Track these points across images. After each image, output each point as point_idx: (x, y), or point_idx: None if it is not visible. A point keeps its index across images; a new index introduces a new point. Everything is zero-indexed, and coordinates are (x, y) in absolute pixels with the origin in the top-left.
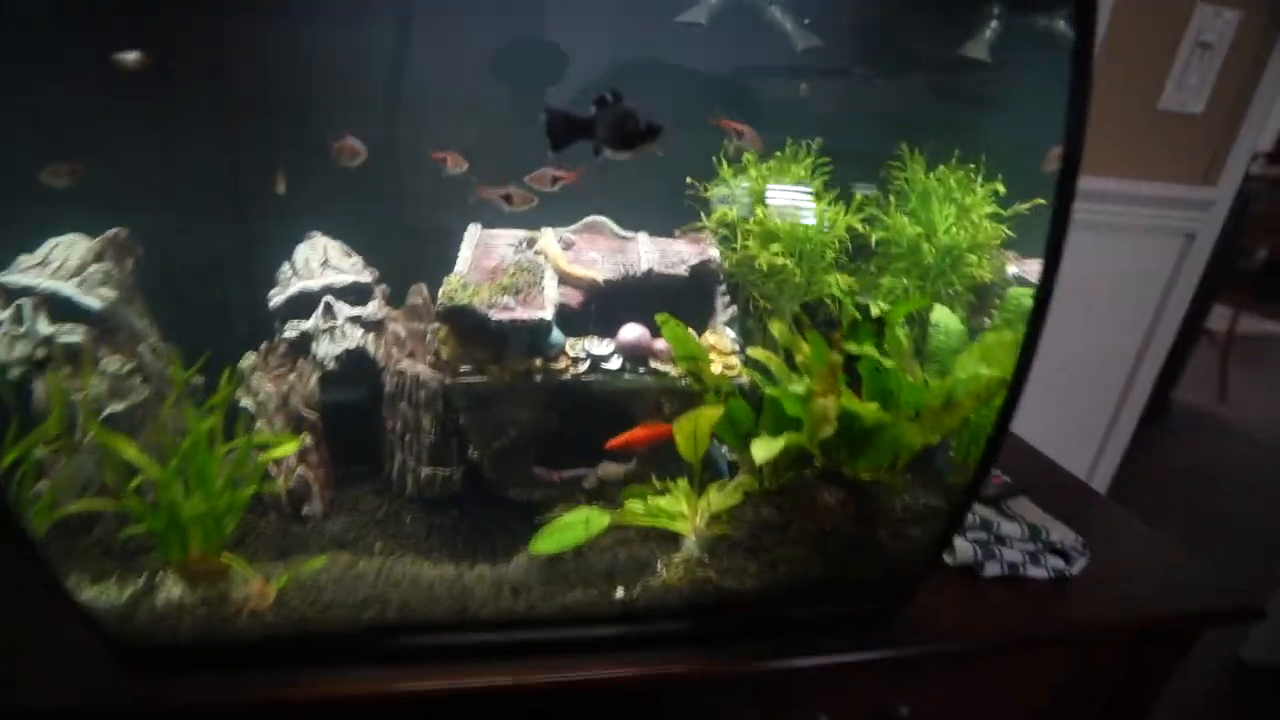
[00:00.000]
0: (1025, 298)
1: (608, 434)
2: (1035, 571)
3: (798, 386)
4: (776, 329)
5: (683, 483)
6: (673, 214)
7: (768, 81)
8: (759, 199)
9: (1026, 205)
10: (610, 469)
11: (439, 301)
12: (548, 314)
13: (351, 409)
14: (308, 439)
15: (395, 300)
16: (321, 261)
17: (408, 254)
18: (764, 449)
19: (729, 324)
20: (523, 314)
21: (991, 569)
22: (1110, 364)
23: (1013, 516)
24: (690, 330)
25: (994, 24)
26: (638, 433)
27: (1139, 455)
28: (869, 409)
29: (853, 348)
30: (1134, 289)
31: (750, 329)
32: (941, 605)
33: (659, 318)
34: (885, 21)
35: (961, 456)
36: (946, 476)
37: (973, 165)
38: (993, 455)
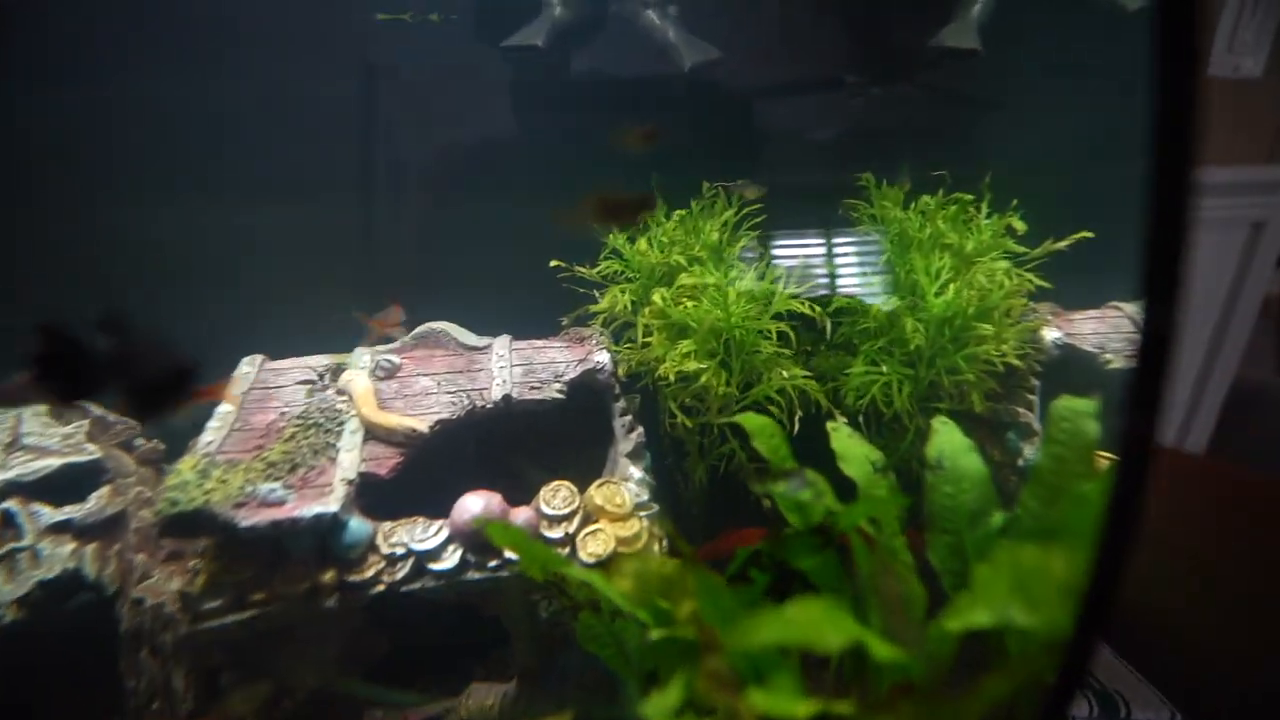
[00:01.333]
0: (1084, 418)
1: (470, 640)
2: None
3: (660, 708)
4: (629, 571)
5: None
6: (555, 301)
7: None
8: (653, 277)
9: (1066, 241)
10: (480, 699)
11: (159, 507)
12: (332, 503)
13: (62, 669)
14: None
15: None
16: (7, 443)
17: None
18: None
19: (634, 456)
20: (292, 509)
21: None
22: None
23: None
24: (563, 489)
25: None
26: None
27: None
28: (802, 711)
29: (752, 636)
30: (1194, 296)
31: (667, 451)
32: None
33: (475, 521)
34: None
35: (1005, 715)
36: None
37: (969, 197)
38: None
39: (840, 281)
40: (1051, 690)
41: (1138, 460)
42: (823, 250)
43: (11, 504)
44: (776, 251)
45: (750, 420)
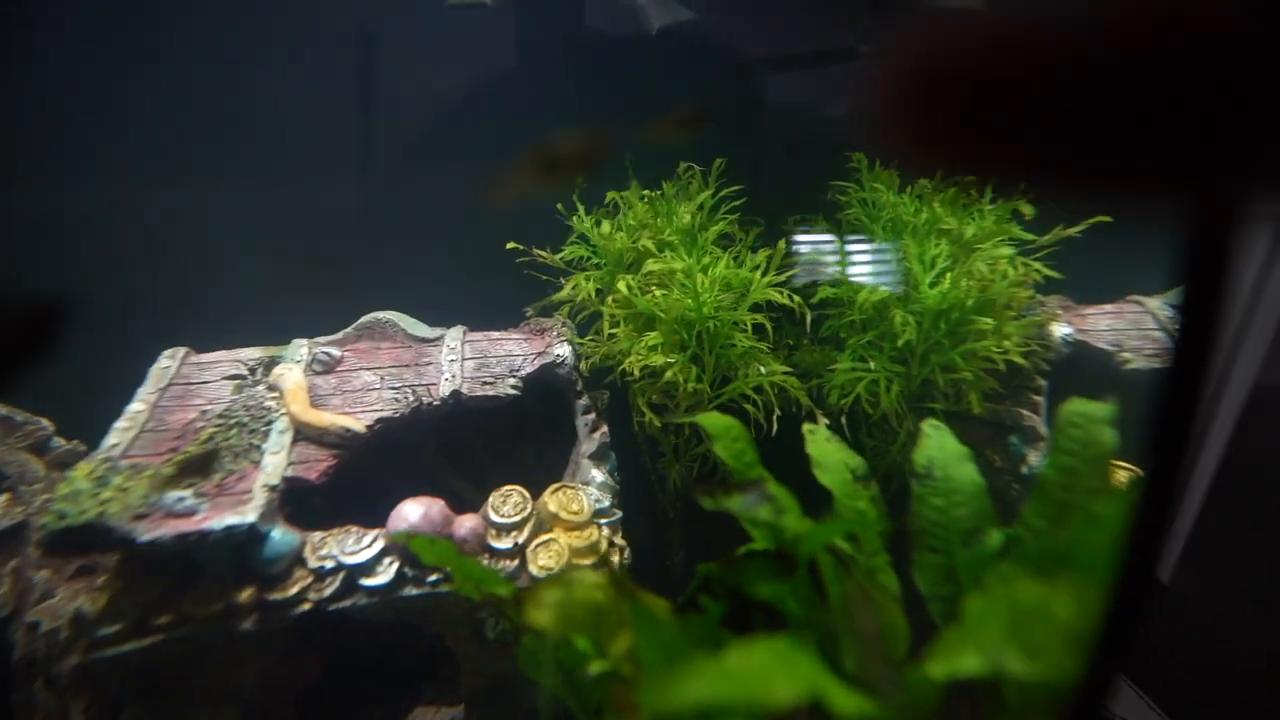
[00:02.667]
0: (1098, 425)
1: (409, 662)
2: None
3: None
4: (549, 603)
5: None
6: (521, 289)
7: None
8: (621, 263)
9: (1079, 227)
10: None
11: (43, 521)
12: (250, 513)
13: None
14: None
15: None
16: None
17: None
18: None
19: (597, 457)
20: (201, 521)
21: None
22: None
23: None
24: (515, 494)
25: None
26: None
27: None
28: None
29: (681, 692)
30: None
31: (640, 450)
32: None
33: (398, 536)
34: None
35: None
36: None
37: (972, 177)
38: None
39: (853, 270)
40: None
41: (1166, 486)
42: (813, 240)
43: None
44: (762, 240)
45: (712, 421)
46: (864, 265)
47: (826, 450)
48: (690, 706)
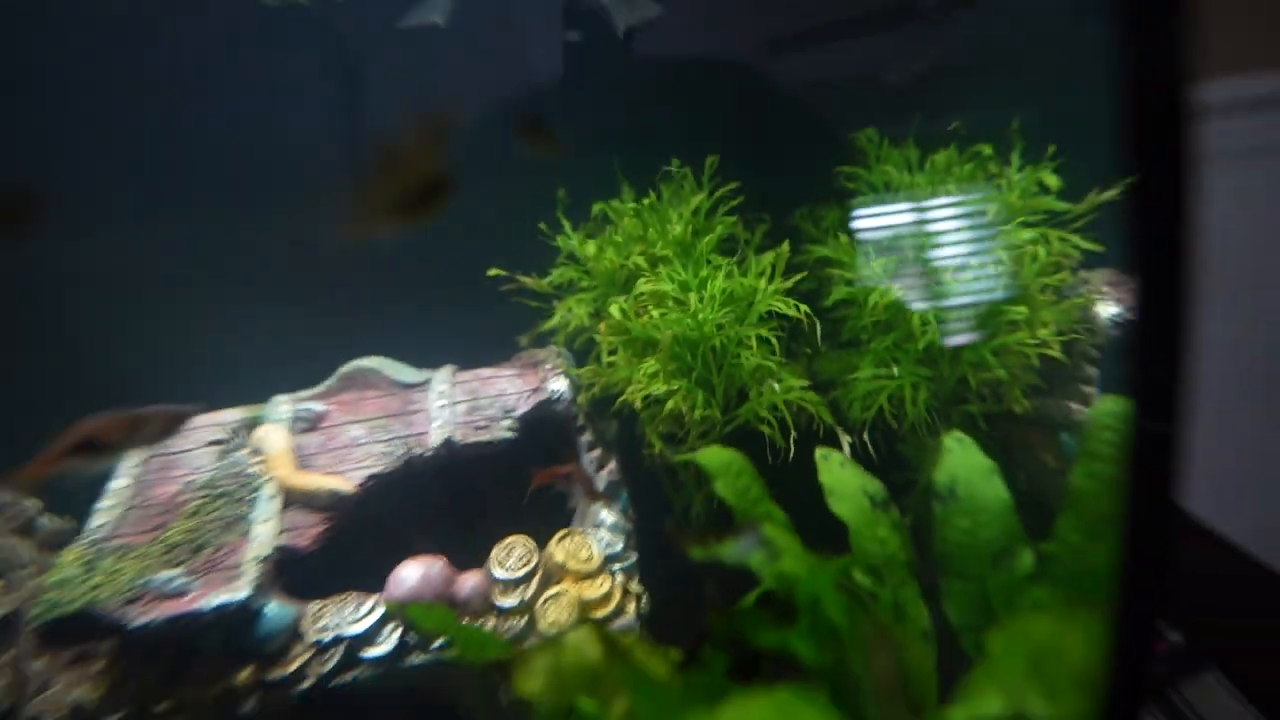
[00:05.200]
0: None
1: None
2: None
3: None
4: (538, 669)
5: None
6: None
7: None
8: (612, 282)
9: (1115, 190)
10: None
11: (34, 612)
12: (241, 589)
13: None
14: None
15: None
16: None
17: None
18: None
19: (608, 495)
20: (191, 601)
21: None
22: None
23: None
24: (519, 546)
25: None
26: None
27: None
28: None
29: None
30: (1249, 243)
31: (659, 481)
32: None
33: (392, 605)
34: None
35: None
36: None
37: (988, 148)
38: None
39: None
40: None
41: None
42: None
43: None
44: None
45: (710, 457)
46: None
47: (841, 478)
48: None
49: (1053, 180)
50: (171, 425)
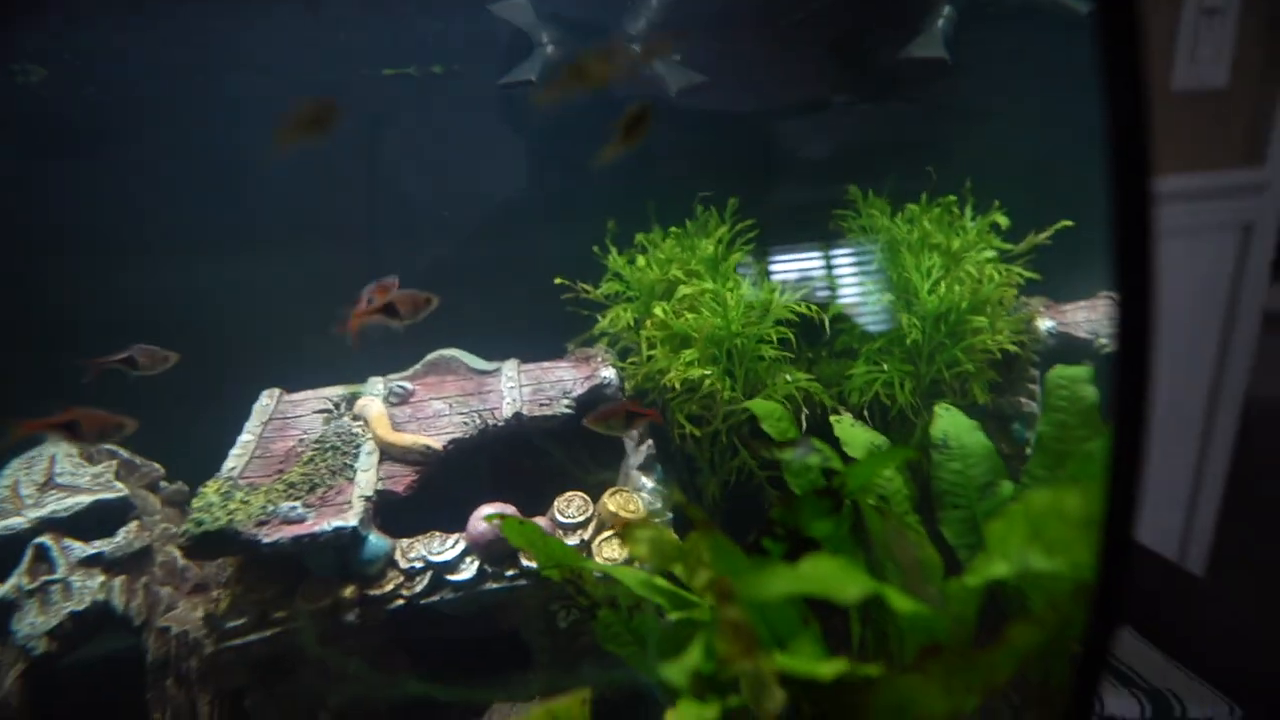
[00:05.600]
0: (1081, 383)
1: (492, 659)
2: None
3: (679, 669)
4: (644, 539)
5: None
6: (557, 330)
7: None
8: (653, 294)
9: (1046, 233)
10: (503, 717)
11: (185, 528)
12: (351, 518)
13: (97, 703)
14: None
15: None
16: (41, 483)
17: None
18: None
19: (645, 468)
20: (312, 525)
21: None
22: (1185, 400)
23: (1126, 677)
24: (577, 498)
25: (947, 11)
26: None
27: (1243, 473)
28: (827, 671)
29: (768, 587)
30: (1194, 303)
31: (679, 466)
32: None
33: (488, 516)
34: (810, 32)
35: (1039, 675)
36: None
37: (951, 198)
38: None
39: (840, 290)
40: (1087, 628)
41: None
42: (820, 262)
43: (45, 539)
44: (776, 266)
45: (759, 405)
46: (868, 281)
47: (852, 433)
48: (776, 596)
49: (1003, 220)
50: (110, 429)
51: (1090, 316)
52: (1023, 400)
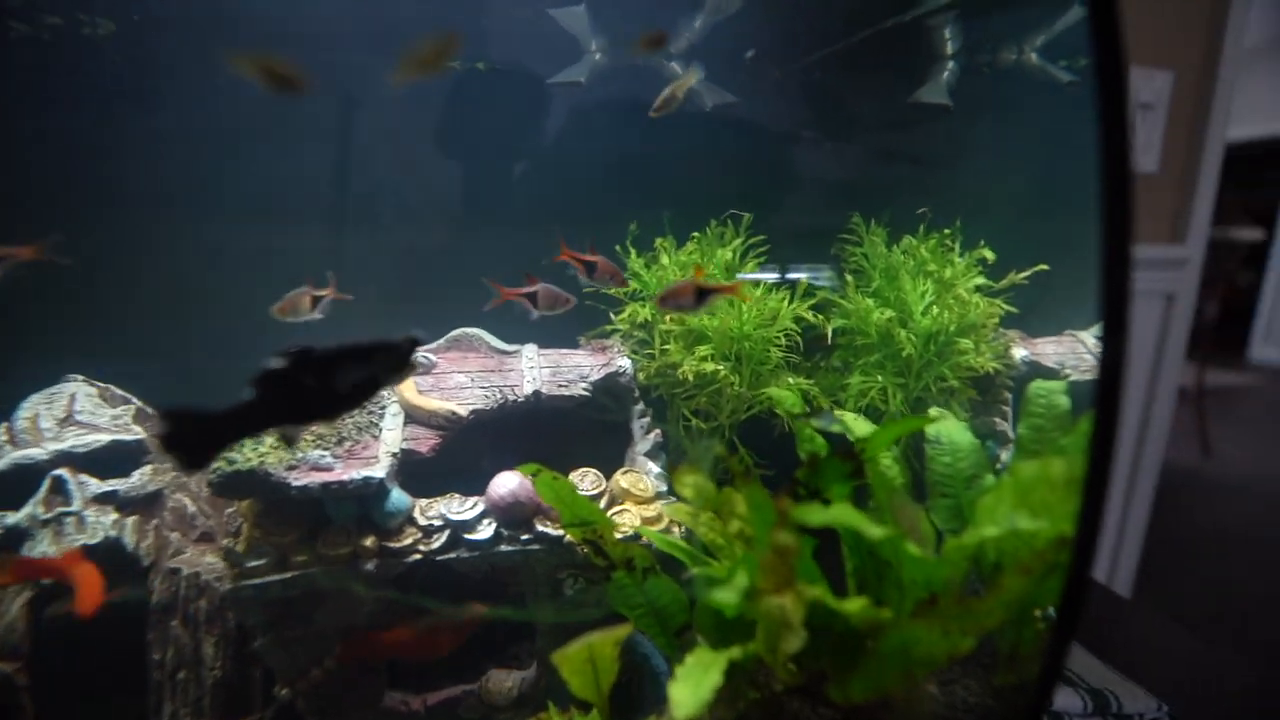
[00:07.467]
0: (1057, 394)
1: (492, 628)
2: None
3: (729, 590)
4: (689, 482)
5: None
6: (574, 319)
7: (674, 146)
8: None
9: (1025, 274)
10: (499, 681)
11: (215, 467)
12: (379, 470)
13: (94, 640)
14: None
15: None
16: (61, 418)
17: None
18: (690, 693)
19: (651, 454)
20: (341, 473)
21: None
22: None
23: (1070, 680)
24: (590, 473)
25: (951, 64)
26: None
27: (1160, 520)
28: (853, 607)
29: (811, 515)
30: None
31: (683, 454)
32: None
33: (525, 469)
34: (823, 73)
35: (1008, 645)
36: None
37: (947, 231)
38: (1060, 654)
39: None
40: (1066, 571)
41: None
42: (826, 279)
43: (63, 471)
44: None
45: (776, 391)
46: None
47: (857, 424)
48: (820, 524)
49: (990, 254)
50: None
51: (1058, 350)
52: (996, 420)
